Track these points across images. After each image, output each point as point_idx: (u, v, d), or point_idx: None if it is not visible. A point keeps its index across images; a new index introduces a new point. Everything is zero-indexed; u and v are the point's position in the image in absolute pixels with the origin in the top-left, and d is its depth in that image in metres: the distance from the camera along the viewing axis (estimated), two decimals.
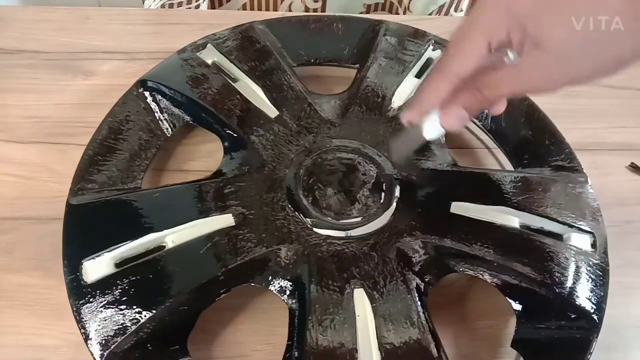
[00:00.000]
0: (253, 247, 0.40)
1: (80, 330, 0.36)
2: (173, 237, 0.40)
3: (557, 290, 0.39)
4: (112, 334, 0.36)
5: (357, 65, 0.53)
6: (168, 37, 0.58)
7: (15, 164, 0.48)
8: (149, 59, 0.55)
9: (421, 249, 0.41)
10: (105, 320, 0.36)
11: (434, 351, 0.37)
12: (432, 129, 0.37)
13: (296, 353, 0.37)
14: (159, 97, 0.48)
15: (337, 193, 0.44)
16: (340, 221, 0.42)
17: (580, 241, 0.42)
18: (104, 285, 0.37)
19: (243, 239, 0.40)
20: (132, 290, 0.37)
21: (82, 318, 0.36)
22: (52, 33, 0.57)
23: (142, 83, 0.48)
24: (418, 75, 0.51)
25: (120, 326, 0.36)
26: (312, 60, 0.53)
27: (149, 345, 0.37)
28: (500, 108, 0.37)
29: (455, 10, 0.71)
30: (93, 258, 0.38)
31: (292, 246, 0.40)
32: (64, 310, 0.37)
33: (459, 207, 0.43)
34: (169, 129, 0.48)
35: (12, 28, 0.57)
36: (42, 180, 0.47)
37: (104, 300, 0.37)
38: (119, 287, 0.37)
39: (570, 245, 0.41)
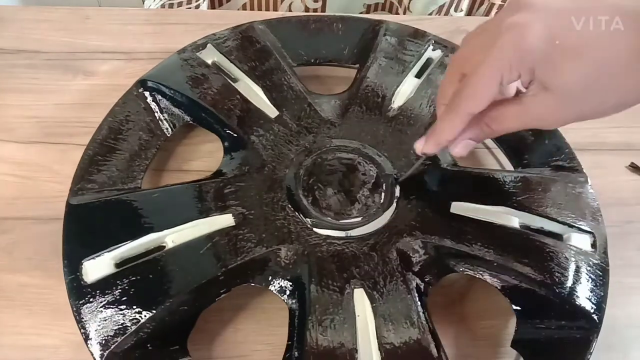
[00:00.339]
0: (253, 247, 0.40)
1: (80, 330, 0.36)
2: (173, 237, 0.40)
3: (557, 291, 0.39)
4: (112, 334, 0.36)
5: (357, 65, 0.53)
6: (168, 37, 0.58)
7: (15, 164, 0.48)
8: (149, 59, 0.55)
9: (421, 249, 0.41)
10: (105, 320, 0.36)
11: (434, 351, 0.37)
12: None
13: (296, 353, 0.37)
14: (159, 97, 0.48)
15: (337, 193, 0.44)
16: (340, 221, 0.42)
17: (580, 241, 0.42)
18: (104, 285, 0.37)
19: (243, 239, 0.40)
20: (132, 290, 0.37)
21: (82, 318, 0.36)
22: (52, 33, 0.57)
23: (142, 83, 0.48)
24: (418, 75, 0.52)
25: (120, 326, 0.36)
26: (312, 60, 0.53)
27: (149, 345, 0.37)
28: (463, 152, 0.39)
29: (455, 10, 0.71)
30: (93, 258, 0.38)
31: (292, 246, 0.40)
32: (64, 310, 0.37)
33: (459, 207, 0.43)
34: (169, 129, 0.48)
35: (12, 28, 0.57)
36: (42, 180, 0.47)
37: (104, 300, 0.37)
38: (119, 287, 0.37)
39: (570, 245, 0.41)
